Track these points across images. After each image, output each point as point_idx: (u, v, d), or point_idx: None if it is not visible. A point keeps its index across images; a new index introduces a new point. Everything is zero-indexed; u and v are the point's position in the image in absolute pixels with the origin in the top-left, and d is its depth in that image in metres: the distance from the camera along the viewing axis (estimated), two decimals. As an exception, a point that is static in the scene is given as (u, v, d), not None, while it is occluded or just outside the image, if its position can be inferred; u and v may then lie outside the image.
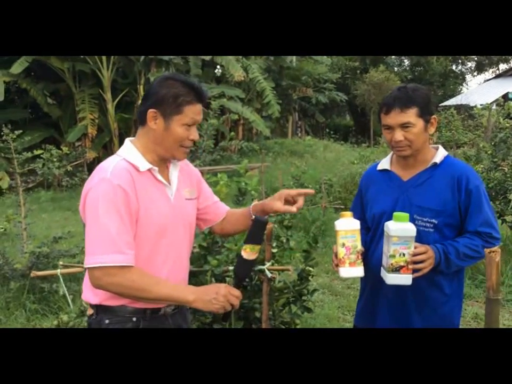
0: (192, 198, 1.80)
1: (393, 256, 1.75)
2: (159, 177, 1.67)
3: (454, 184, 1.91)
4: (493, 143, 5.59)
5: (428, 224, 1.91)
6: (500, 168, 5.32)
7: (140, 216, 1.59)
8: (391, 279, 1.78)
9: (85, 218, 1.60)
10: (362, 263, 1.84)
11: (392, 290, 1.89)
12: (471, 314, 4.06)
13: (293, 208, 1.73)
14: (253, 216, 1.75)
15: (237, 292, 1.61)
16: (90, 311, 1.70)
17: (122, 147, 1.71)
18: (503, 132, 5.62)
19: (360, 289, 2.19)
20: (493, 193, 5.13)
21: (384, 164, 2.08)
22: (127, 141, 1.72)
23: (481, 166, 5.19)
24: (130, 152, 1.66)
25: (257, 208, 1.81)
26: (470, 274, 4.62)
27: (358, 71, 26.77)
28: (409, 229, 1.74)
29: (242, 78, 15.24)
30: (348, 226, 1.83)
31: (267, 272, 2.48)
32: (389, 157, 2.11)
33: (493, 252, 1.35)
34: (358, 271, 1.84)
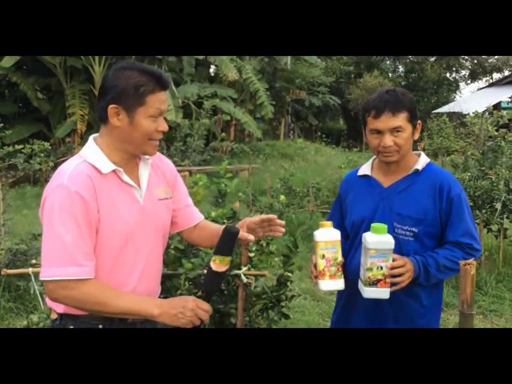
0: (166, 198, 1.68)
1: (370, 269, 1.68)
2: (125, 178, 1.55)
3: (435, 192, 1.85)
4: (481, 152, 5.57)
5: (407, 233, 1.86)
6: (488, 176, 5.29)
7: (101, 225, 1.48)
8: (368, 292, 1.71)
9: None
10: (342, 275, 1.78)
11: (369, 300, 1.83)
12: (453, 324, 4.02)
13: (251, 237, 1.67)
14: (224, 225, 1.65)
15: (206, 306, 1.49)
16: (54, 315, 1.61)
17: (85, 146, 1.57)
18: (491, 140, 5.60)
19: (336, 296, 2.13)
20: (480, 202, 5.10)
21: (365, 169, 2.03)
22: (91, 139, 1.58)
23: (468, 174, 5.15)
24: (92, 153, 1.53)
25: None
26: (454, 283, 4.58)
27: (352, 76, 26.79)
28: (388, 241, 1.67)
29: (236, 78, 15.17)
30: (328, 237, 1.76)
31: (243, 277, 2.42)
32: (369, 162, 2.05)
33: (468, 264, 1.29)
34: (338, 283, 1.77)
